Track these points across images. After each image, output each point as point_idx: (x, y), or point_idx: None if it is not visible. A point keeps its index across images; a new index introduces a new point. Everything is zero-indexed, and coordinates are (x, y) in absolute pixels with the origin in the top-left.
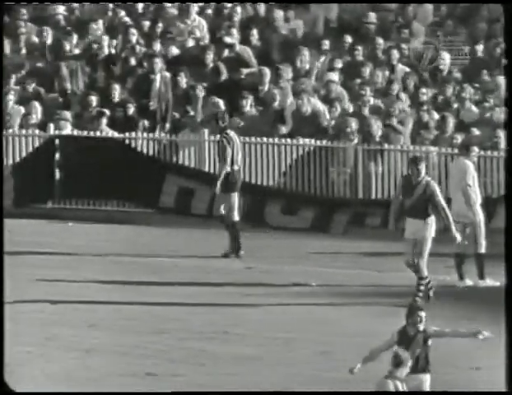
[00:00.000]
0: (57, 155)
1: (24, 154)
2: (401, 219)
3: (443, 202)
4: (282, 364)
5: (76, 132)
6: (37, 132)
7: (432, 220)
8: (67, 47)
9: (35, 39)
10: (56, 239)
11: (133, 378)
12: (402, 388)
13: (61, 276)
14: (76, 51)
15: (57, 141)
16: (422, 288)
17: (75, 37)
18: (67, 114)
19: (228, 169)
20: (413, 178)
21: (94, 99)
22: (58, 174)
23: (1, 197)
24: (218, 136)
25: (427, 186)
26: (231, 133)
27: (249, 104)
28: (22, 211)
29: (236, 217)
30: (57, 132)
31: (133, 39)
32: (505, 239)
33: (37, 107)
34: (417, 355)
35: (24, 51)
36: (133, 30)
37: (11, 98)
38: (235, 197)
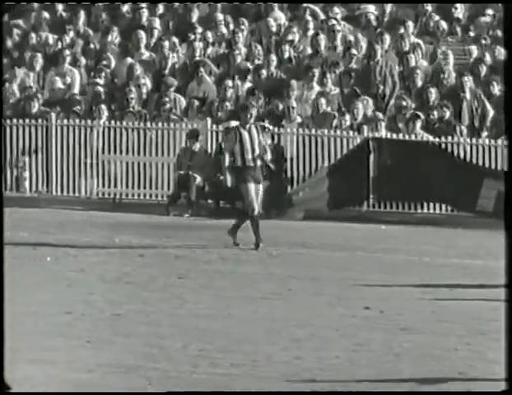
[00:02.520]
0: (371, 158)
1: (339, 155)
2: None
3: None
4: None
5: (389, 135)
6: (351, 133)
7: None
8: (379, 49)
9: (351, 38)
10: (369, 242)
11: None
12: None
13: (373, 280)
14: (392, 53)
15: (371, 143)
16: None
17: (387, 38)
18: (380, 116)
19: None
20: None
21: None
22: (372, 177)
23: (1, 194)
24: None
25: None
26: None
27: None
28: (336, 214)
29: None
30: (370, 134)
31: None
32: (505, 237)
33: (359, 108)
34: None
35: (340, 49)
36: (450, 39)
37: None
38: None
